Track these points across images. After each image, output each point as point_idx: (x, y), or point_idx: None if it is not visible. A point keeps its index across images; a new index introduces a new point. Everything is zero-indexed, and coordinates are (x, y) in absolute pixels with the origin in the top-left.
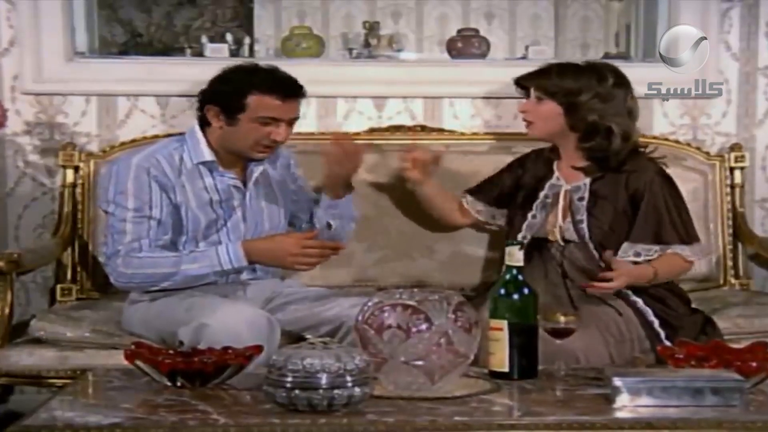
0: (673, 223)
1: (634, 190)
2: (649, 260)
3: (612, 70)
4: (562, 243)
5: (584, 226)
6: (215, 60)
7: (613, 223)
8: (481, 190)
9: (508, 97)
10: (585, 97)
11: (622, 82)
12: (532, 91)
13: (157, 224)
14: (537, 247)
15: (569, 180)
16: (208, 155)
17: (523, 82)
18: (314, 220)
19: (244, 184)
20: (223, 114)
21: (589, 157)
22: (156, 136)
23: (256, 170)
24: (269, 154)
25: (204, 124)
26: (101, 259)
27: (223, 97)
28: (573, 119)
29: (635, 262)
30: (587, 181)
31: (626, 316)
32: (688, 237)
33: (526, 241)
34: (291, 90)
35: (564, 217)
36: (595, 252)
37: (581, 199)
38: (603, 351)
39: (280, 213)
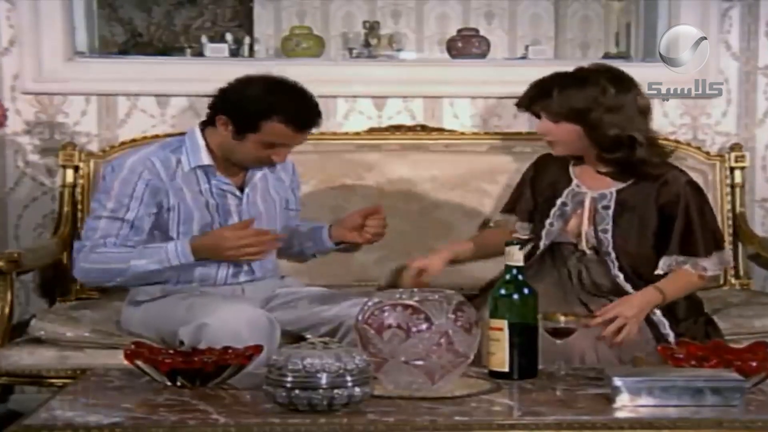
0: (704, 236)
1: (666, 202)
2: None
3: (610, 78)
4: (588, 251)
5: (608, 236)
6: (215, 60)
7: (639, 235)
8: (514, 209)
9: (508, 96)
10: (596, 114)
11: (626, 86)
12: (542, 113)
13: (129, 226)
14: (551, 253)
15: (592, 186)
16: (206, 159)
17: (530, 108)
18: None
19: (242, 188)
20: (232, 127)
21: (616, 165)
22: (156, 136)
23: (257, 174)
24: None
25: (208, 124)
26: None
27: (238, 114)
28: (594, 136)
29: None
30: (613, 189)
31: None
32: (714, 246)
33: (543, 247)
34: (310, 123)
35: (588, 225)
36: (613, 264)
37: (606, 207)
38: (609, 350)
39: (277, 217)
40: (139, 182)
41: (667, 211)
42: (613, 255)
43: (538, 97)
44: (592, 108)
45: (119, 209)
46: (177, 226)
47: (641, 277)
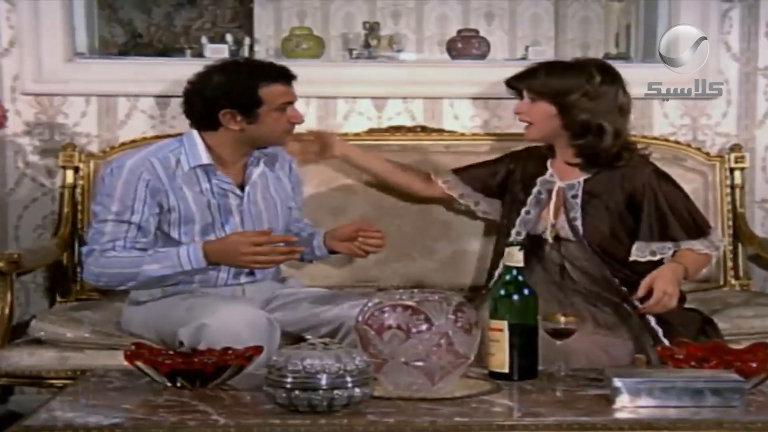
0: (679, 219)
1: (632, 190)
2: (670, 257)
3: (600, 67)
4: (551, 240)
5: (578, 224)
6: (215, 61)
7: (609, 222)
8: (465, 169)
9: (508, 97)
10: (574, 96)
11: (612, 78)
12: (524, 92)
13: (136, 228)
14: (534, 247)
15: (563, 177)
16: (205, 158)
17: (513, 83)
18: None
19: (242, 187)
20: (240, 115)
21: (580, 154)
22: (156, 137)
23: (255, 172)
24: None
25: (204, 127)
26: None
27: (236, 99)
28: (566, 119)
29: (653, 261)
30: (581, 179)
31: (623, 315)
32: (697, 230)
33: (521, 238)
34: (288, 74)
35: (557, 215)
36: (593, 251)
37: (575, 196)
38: (599, 351)
39: (279, 215)
40: (139, 183)
41: (636, 200)
42: (585, 242)
43: (526, 75)
44: (571, 90)
45: (124, 212)
46: (178, 226)
47: (619, 262)
